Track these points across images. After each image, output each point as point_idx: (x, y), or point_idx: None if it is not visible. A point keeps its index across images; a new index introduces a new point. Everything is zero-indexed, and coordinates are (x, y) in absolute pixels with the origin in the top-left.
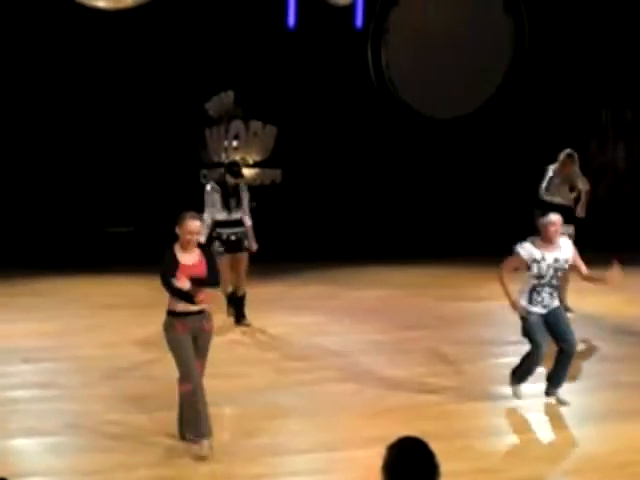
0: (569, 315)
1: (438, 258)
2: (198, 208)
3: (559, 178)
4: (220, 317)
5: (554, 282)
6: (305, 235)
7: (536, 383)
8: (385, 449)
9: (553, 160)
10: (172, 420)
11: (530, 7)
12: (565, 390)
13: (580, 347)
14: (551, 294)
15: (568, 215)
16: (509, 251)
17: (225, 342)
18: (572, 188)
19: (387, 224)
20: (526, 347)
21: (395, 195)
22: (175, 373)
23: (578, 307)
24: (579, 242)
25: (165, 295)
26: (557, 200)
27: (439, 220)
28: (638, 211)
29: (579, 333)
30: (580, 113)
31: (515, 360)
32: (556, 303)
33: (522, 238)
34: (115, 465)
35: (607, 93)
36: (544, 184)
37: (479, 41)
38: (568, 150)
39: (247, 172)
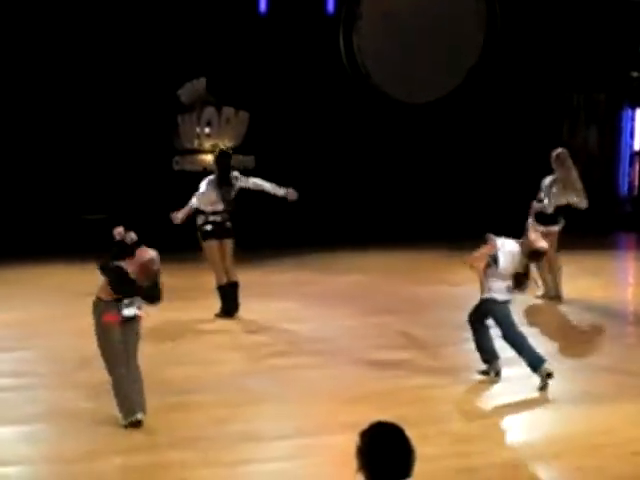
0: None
1: (414, 243)
2: (171, 194)
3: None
4: (197, 306)
5: None
6: (280, 221)
7: (511, 367)
8: (358, 435)
9: (524, 142)
10: (148, 407)
11: None
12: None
13: (552, 330)
14: None
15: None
16: (484, 235)
17: (200, 329)
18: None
19: (361, 209)
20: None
21: (369, 180)
22: (149, 360)
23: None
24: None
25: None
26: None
27: (413, 205)
28: (611, 194)
29: (552, 316)
30: (553, 96)
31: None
32: None
33: (499, 222)
34: (89, 453)
35: (580, 76)
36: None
37: (451, 25)
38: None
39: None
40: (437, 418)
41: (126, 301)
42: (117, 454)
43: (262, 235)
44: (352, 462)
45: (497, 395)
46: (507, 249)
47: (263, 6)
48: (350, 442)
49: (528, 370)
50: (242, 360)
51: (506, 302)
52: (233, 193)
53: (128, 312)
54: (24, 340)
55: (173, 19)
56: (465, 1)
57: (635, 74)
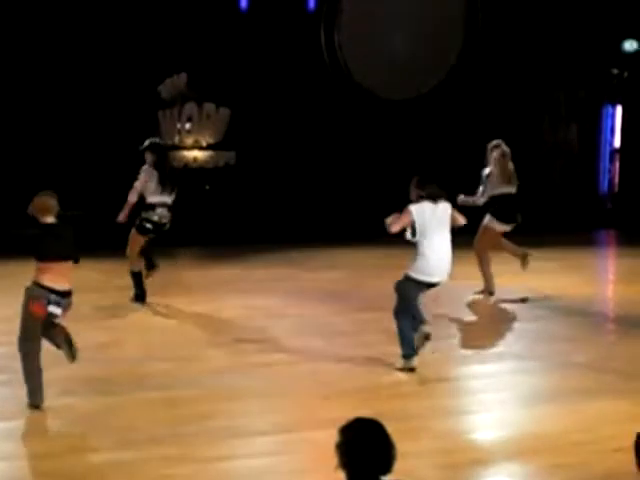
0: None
1: (393, 238)
2: None
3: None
4: (178, 302)
5: None
6: (260, 217)
7: (489, 364)
8: (338, 431)
9: (505, 139)
10: (126, 404)
11: None
12: (518, 371)
13: (532, 328)
14: None
15: None
16: (459, 230)
17: (180, 325)
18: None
19: (341, 205)
20: (479, 327)
21: (349, 176)
22: (130, 356)
23: (533, 288)
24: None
25: (117, 278)
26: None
27: (391, 201)
28: (591, 191)
29: (532, 313)
30: (533, 93)
31: (467, 341)
32: None
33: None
34: (70, 449)
35: (560, 73)
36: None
37: (433, 22)
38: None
39: (201, 154)
40: (417, 414)
41: (55, 297)
42: (98, 450)
43: (242, 231)
44: (333, 458)
45: (477, 391)
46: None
47: (244, 2)
48: (331, 438)
49: (508, 366)
50: (223, 356)
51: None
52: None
53: (53, 309)
54: (3, 335)
55: (154, 15)
56: None
57: (616, 71)
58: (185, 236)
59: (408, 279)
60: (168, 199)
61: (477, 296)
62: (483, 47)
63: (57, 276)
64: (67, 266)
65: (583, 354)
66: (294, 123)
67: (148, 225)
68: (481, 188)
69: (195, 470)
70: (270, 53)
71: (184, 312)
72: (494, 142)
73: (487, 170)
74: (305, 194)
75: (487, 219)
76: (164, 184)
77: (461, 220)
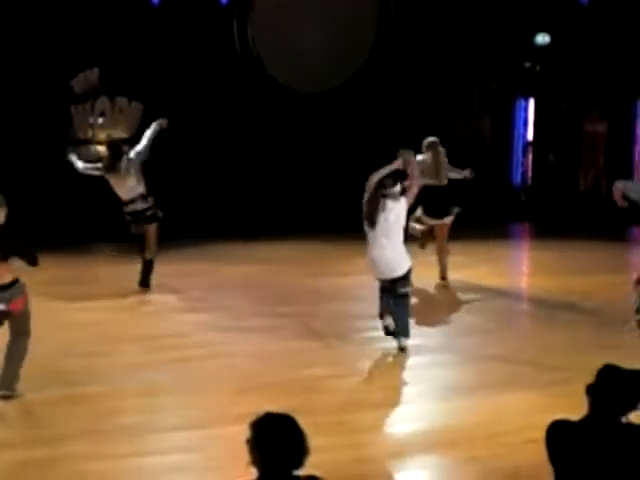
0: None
1: (308, 233)
2: (64, 185)
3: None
4: (87, 289)
5: None
6: (176, 212)
7: (406, 356)
8: (248, 426)
9: (418, 132)
10: (39, 401)
11: None
12: (433, 364)
13: (447, 321)
14: None
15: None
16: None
17: (96, 321)
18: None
19: (257, 199)
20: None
21: (265, 170)
22: (44, 351)
23: (448, 280)
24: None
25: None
26: None
27: (307, 195)
28: (505, 184)
29: (448, 307)
30: (446, 87)
31: (384, 335)
32: None
33: None
34: None
35: (473, 67)
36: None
37: (345, 16)
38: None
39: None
40: (331, 408)
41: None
42: (9, 448)
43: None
44: (247, 453)
45: (391, 386)
46: None
47: None
48: (245, 433)
49: (424, 360)
50: (137, 351)
51: None
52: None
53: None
54: None
55: (65, 9)
56: None
57: (528, 64)
58: (101, 231)
59: None
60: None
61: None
62: (396, 40)
63: None
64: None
65: (497, 346)
66: (208, 117)
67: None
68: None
69: (109, 466)
70: (183, 47)
71: (100, 308)
72: (431, 139)
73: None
74: (221, 188)
75: (418, 211)
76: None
77: None
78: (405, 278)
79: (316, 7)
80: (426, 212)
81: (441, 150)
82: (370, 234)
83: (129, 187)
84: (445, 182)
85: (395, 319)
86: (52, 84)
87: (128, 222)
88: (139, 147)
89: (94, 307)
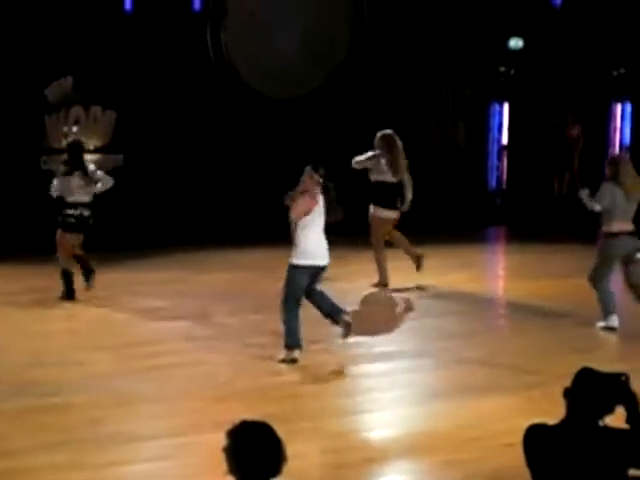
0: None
1: (280, 240)
2: (38, 194)
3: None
4: (61, 307)
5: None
6: (148, 220)
7: (381, 362)
8: (225, 434)
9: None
10: (12, 411)
11: None
12: (410, 369)
13: (424, 325)
14: None
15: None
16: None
17: (70, 329)
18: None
19: (230, 206)
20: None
21: (238, 177)
22: (15, 362)
23: (423, 286)
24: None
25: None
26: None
27: (281, 202)
28: (480, 188)
29: (423, 311)
30: (420, 92)
31: (360, 340)
32: None
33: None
34: None
35: (447, 72)
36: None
37: (319, 22)
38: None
39: (88, 158)
40: (308, 415)
41: None
42: None
43: (131, 234)
44: (224, 462)
45: (370, 390)
46: None
47: (128, 4)
48: (222, 441)
49: (401, 365)
50: (111, 360)
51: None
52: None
53: None
54: None
55: (38, 17)
56: None
57: (502, 69)
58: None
59: (292, 267)
60: (86, 198)
61: (373, 289)
62: (369, 46)
63: None
64: None
65: (475, 350)
66: (182, 124)
67: (72, 220)
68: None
69: (85, 477)
70: (156, 54)
71: (73, 316)
72: (387, 131)
73: (376, 152)
74: (194, 195)
75: (372, 209)
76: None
77: None
78: None
79: (289, 13)
80: (380, 204)
81: (399, 144)
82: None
83: (85, 191)
84: (402, 178)
85: (325, 303)
86: (25, 93)
87: (64, 224)
88: (98, 174)
89: (66, 315)
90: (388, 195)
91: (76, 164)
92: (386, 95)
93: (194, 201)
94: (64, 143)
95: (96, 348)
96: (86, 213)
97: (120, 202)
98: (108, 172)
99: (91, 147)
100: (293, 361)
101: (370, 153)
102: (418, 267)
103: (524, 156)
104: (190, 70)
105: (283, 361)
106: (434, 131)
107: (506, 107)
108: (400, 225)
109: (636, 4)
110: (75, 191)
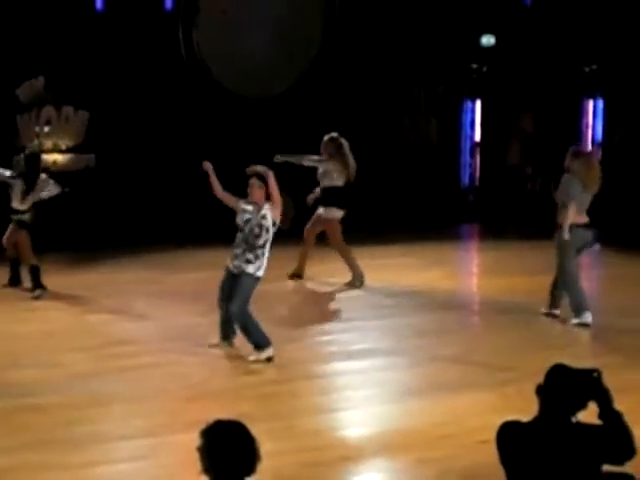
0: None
1: None
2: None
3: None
4: (39, 308)
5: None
6: (122, 220)
7: (355, 360)
8: (199, 433)
9: (365, 136)
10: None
11: None
12: (384, 367)
13: (398, 323)
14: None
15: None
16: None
17: (44, 331)
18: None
19: (204, 205)
20: (344, 324)
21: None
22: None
23: (397, 283)
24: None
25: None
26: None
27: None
28: (453, 185)
29: (397, 309)
30: (392, 90)
31: (335, 338)
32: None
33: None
34: None
35: (419, 69)
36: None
37: (290, 21)
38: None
39: (60, 158)
40: (282, 413)
41: None
42: None
43: (104, 234)
44: (198, 461)
45: (344, 388)
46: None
47: (99, 3)
48: (196, 441)
49: (375, 363)
50: (87, 361)
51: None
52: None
53: None
54: None
55: (8, 18)
56: None
57: (474, 66)
58: (46, 240)
59: (257, 279)
60: (22, 206)
61: (347, 288)
62: (341, 44)
63: None
64: None
65: (449, 348)
66: (154, 124)
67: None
68: (315, 158)
69: (61, 477)
70: (128, 54)
71: (47, 317)
72: (333, 134)
73: (323, 158)
74: (167, 195)
75: (322, 211)
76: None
77: None
78: None
79: (261, 12)
80: (331, 205)
81: (346, 145)
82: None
83: (23, 198)
84: (352, 179)
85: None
86: None
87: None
88: (47, 183)
89: (41, 317)
90: (338, 196)
91: (28, 174)
92: (358, 93)
93: (167, 201)
94: (36, 143)
95: (72, 349)
96: (25, 217)
97: (93, 202)
98: (80, 172)
99: (63, 147)
100: (269, 360)
101: (316, 157)
102: (351, 283)
103: (496, 153)
104: (162, 69)
105: (257, 361)
106: (406, 128)
107: (478, 104)
108: (373, 223)
109: (606, 1)
110: (14, 197)
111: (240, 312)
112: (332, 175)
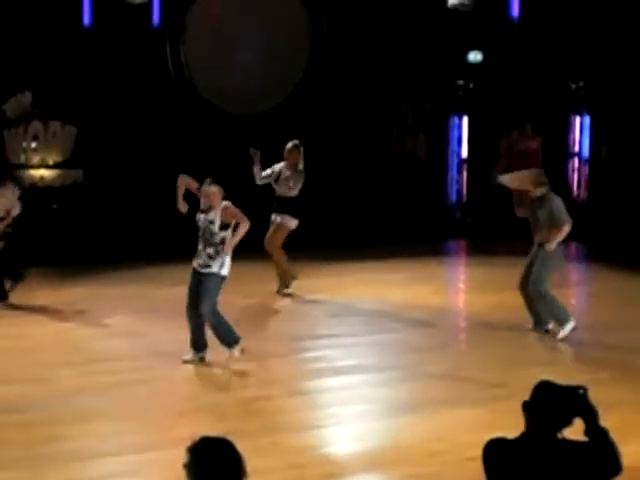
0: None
1: (242, 253)
2: None
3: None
4: (23, 323)
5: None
6: (109, 235)
7: (342, 377)
8: (186, 450)
9: (353, 152)
10: None
11: (327, 1)
12: (371, 383)
13: (384, 339)
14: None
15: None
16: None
17: (31, 346)
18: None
19: (190, 220)
20: (330, 341)
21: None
22: None
23: (383, 300)
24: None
25: None
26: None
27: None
28: (440, 202)
29: (384, 325)
30: (380, 106)
31: (322, 354)
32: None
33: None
34: None
35: (407, 85)
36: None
37: (277, 38)
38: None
39: (48, 173)
40: (270, 430)
41: None
42: None
43: (92, 250)
44: (184, 478)
45: (331, 405)
46: None
47: (87, 19)
48: (183, 457)
49: (362, 379)
50: (72, 377)
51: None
52: None
53: None
54: None
55: None
56: (291, 12)
57: (461, 82)
58: (33, 256)
59: (223, 279)
60: None
61: (282, 297)
62: (328, 61)
63: None
64: None
65: (436, 364)
66: (142, 139)
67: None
68: (268, 171)
69: None
70: (115, 69)
71: (34, 333)
72: (295, 142)
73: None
74: (153, 210)
75: (281, 218)
76: None
77: None
78: None
79: (249, 29)
80: (290, 214)
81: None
82: None
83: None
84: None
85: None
86: None
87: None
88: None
89: (28, 332)
90: (294, 205)
91: None
92: (346, 108)
93: (154, 216)
94: (23, 159)
95: (57, 365)
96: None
97: (80, 217)
98: (68, 187)
99: (50, 162)
100: (243, 352)
101: (275, 168)
102: (281, 289)
103: (484, 169)
104: (150, 85)
105: (231, 357)
106: (394, 144)
107: (465, 120)
108: (361, 238)
109: (593, 18)
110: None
111: (211, 312)
112: (287, 184)
